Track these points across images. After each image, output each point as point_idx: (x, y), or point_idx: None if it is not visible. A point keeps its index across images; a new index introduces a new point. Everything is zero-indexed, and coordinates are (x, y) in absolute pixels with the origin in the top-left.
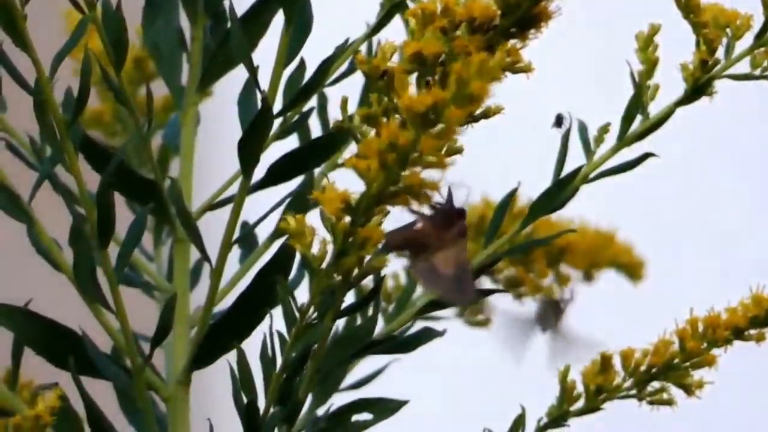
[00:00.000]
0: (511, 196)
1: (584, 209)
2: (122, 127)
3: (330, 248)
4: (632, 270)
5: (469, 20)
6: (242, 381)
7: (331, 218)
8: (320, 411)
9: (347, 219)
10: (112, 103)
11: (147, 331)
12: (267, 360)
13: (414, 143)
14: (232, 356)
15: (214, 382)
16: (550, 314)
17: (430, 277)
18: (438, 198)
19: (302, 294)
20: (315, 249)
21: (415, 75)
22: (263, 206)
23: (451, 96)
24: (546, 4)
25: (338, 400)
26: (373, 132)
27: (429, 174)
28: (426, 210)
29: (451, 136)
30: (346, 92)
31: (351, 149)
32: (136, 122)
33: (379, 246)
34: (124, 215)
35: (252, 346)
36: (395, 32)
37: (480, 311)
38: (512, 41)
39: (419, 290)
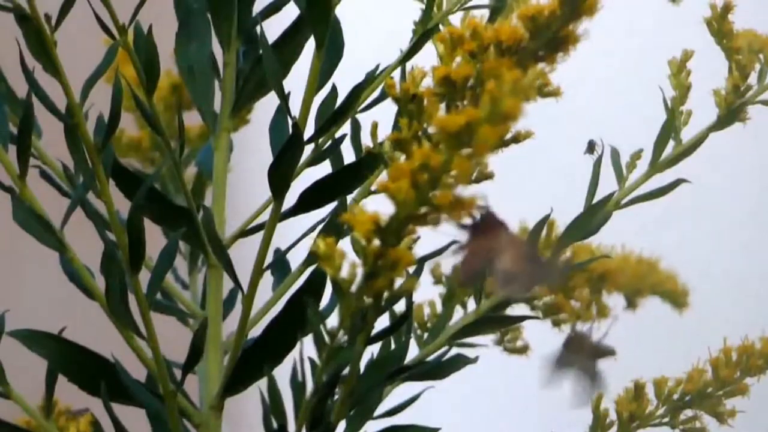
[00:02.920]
0: (544, 222)
1: (627, 237)
2: (160, 155)
3: (359, 271)
4: (676, 298)
5: (497, 43)
6: (272, 406)
7: (361, 240)
8: None
9: (377, 241)
10: (149, 131)
11: (182, 358)
12: (297, 385)
13: (446, 164)
14: (263, 382)
15: (246, 408)
16: (576, 349)
17: (507, 279)
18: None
19: (335, 322)
20: (344, 272)
21: (444, 100)
22: (297, 232)
23: (484, 114)
24: (573, 27)
25: (371, 427)
26: (403, 157)
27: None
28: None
29: (484, 157)
30: (381, 119)
31: (383, 176)
32: (169, 148)
33: (410, 269)
34: (160, 242)
35: (283, 372)
36: (428, 58)
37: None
38: (540, 65)
39: (455, 317)
